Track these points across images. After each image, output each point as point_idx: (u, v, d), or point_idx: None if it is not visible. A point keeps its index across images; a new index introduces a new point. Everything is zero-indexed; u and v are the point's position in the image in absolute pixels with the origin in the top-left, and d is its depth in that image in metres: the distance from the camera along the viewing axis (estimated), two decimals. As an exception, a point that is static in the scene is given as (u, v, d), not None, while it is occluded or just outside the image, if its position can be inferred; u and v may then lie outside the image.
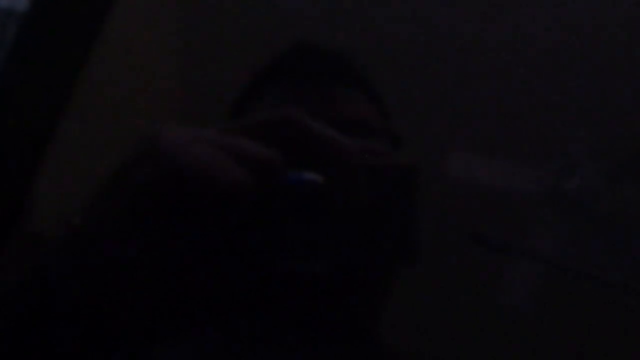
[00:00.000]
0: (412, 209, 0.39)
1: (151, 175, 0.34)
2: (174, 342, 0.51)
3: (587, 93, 2.65)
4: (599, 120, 2.66)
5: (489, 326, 2.87)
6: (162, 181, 0.34)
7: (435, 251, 1.33)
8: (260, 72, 0.70)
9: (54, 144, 1.09)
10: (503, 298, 2.67)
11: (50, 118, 1.02)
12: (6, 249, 0.97)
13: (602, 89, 2.62)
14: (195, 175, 0.33)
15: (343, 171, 0.37)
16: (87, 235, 0.35)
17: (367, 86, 0.69)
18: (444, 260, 2.42)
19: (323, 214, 0.37)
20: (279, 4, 2.56)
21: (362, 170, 0.38)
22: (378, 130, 0.63)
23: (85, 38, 1.00)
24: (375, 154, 0.39)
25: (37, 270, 0.35)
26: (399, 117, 0.73)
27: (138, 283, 0.34)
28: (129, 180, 0.35)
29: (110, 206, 0.35)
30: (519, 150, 2.72)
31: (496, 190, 2.57)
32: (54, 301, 0.34)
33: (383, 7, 2.57)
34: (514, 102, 2.72)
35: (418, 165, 0.39)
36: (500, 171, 2.56)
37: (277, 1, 2.57)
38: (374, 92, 0.69)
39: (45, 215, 1.28)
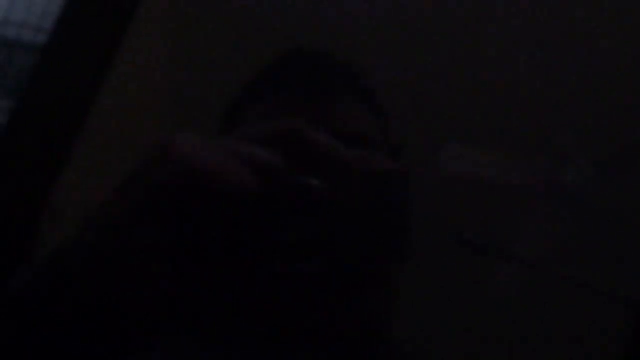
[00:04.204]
0: (404, 209, 0.41)
1: (166, 176, 0.37)
2: (173, 341, 0.53)
3: (580, 86, 2.64)
4: (591, 113, 2.66)
5: (480, 323, 2.88)
6: (177, 182, 0.37)
7: (428, 246, 1.35)
8: (255, 79, 0.68)
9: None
10: (494, 295, 2.68)
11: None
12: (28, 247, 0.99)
13: (594, 83, 2.62)
14: (206, 176, 0.37)
15: (340, 177, 0.40)
16: (102, 229, 0.38)
17: (367, 96, 0.66)
18: (437, 256, 2.42)
19: (319, 216, 0.40)
20: (272, 7, 2.56)
21: (357, 175, 0.41)
22: (377, 144, 0.62)
23: (98, 71, 1.02)
24: (370, 160, 0.41)
25: (52, 264, 0.38)
26: (392, 110, 0.71)
27: (148, 277, 0.37)
28: (145, 181, 0.38)
29: (126, 205, 0.38)
30: (512, 143, 2.72)
31: (489, 183, 2.57)
32: (68, 291, 0.36)
33: (376, 1, 2.56)
34: (507, 95, 2.72)
35: (409, 168, 0.42)
36: (494, 164, 2.56)
37: (270, 4, 2.57)
38: (374, 102, 0.67)
39: (61, 218, 1.30)
